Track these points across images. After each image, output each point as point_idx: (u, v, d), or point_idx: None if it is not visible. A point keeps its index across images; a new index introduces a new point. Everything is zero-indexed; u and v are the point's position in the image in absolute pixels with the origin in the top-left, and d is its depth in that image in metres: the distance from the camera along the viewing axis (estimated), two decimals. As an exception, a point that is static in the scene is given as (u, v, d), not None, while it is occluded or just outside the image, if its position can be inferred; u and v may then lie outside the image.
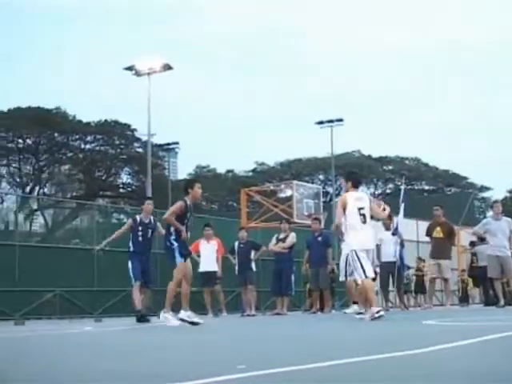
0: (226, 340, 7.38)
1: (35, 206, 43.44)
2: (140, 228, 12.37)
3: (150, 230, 12.44)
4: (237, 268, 16.02)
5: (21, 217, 31.36)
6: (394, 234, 15.82)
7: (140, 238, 12.30)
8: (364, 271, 9.65)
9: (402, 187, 18.01)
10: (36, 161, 48.77)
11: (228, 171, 60.93)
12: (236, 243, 16.25)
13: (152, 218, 12.63)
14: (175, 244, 10.21)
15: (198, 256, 15.94)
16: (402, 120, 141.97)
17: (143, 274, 12.21)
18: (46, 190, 49.52)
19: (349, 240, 9.95)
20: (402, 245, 16.18)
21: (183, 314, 9.95)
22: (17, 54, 75.37)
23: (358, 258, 9.70)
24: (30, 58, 75.84)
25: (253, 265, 16.13)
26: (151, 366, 4.25)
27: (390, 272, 15.76)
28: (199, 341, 7.03)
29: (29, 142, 48.78)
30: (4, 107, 48.04)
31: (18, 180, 48.86)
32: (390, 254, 15.75)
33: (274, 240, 16.17)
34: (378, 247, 15.74)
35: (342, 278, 14.04)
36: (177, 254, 10.16)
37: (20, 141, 48.53)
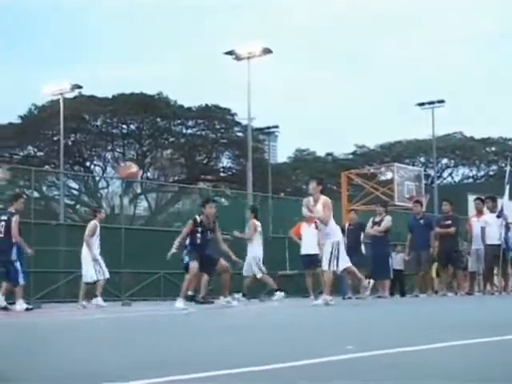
0: (336, 322, 7.44)
1: (139, 190, 44.50)
2: (200, 230, 12.48)
3: (208, 232, 12.44)
4: (346, 250, 16.00)
5: (126, 201, 32.16)
6: (498, 217, 15.51)
7: (198, 241, 12.29)
8: (337, 264, 11.13)
9: (508, 168, 17.58)
10: (139, 146, 49.84)
11: (328, 154, 60.60)
12: (346, 225, 16.27)
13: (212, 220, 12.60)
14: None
15: (300, 239, 16.03)
16: (505, 100, 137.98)
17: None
18: (149, 174, 50.55)
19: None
20: (507, 227, 15.84)
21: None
22: (120, 41, 77.19)
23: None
24: (132, 44, 77.56)
25: (362, 247, 16.09)
26: (278, 346, 4.35)
27: (495, 255, 15.46)
28: (324, 322, 7.11)
29: (132, 127, 49.87)
30: (108, 94, 49.26)
31: (122, 164, 50.05)
32: (494, 236, 15.48)
33: (370, 223, 16.12)
34: (483, 229, 15.47)
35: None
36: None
37: (124, 126, 49.69)
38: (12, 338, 6.42)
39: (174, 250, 12.01)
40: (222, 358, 3.59)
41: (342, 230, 16.27)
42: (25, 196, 16.67)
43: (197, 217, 12.25)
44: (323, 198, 11.35)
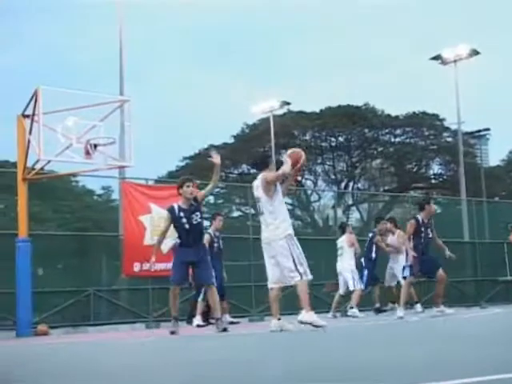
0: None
1: (350, 201, 44.87)
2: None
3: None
4: None
5: (339, 212, 32.60)
6: None
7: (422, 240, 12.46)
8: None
9: None
10: (349, 157, 50.22)
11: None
12: None
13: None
14: None
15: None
16: None
17: None
18: (359, 185, 50.78)
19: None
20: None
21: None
22: (323, 54, 78.20)
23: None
24: (335, 56, 78.35)
25: None
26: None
27: None
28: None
29: (341, 139, 50.37)
30: (316, 108, 50.12)
31: (332, 177, 50.70)
32: None
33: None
34: None
35: None
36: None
37: (332, 139, 50.31)
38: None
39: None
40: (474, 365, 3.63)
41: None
42: (222, 214, 17.70)
43: (418, 216, 12.42)
44: None
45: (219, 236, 14.63)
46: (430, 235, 12.37)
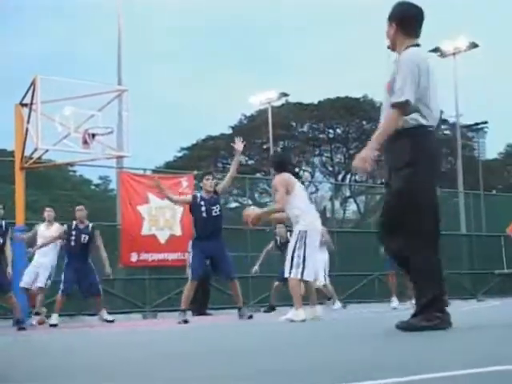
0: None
1: (348, 193, 44.89)
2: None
3: None
4: None
5: (336, 204, 32.63)
6: None
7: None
8: None
9: None
10: (346, 149, 50.24)
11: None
12: None
13: None
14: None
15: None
16: None
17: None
18: (356, 177, 50.81)
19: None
20: None
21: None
22: (323, 46, 78.02)
23: None
24: (335, 49, 78.05)
25: None
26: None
27: None
28: None
29: (338, 131, 50.39)
30: (314, 99, 50.09)
31: (330, 169, 50.74)
32: None
33: None
34: None
35: None
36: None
37: (330, 131, 50.34)
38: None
39: None
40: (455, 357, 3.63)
41: None
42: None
43: None
44: None
45: None
46: None
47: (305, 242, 8.67)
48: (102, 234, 13.29)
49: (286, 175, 9.01)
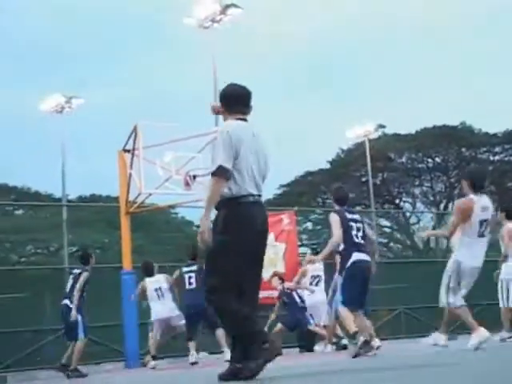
0: None
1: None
2: None
3: None
4: None
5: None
6: None
7: None
8: None
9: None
10: (447, 178, 49.39)
11: None
12: None
13: None
14: None
15: None
16: None
17: None
18: (458, 205, 49.81)
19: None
20: None
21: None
22: (416, 75, 77.16)
23: None
24: (426, 75, 76.84)
25: None
26: None
27: None
28: None
29: (438, 160, 49.61)
30: (412, 129, 49.55)
31: (431, 198, 49.93)
32: None
33: None
34: None
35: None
36: None
37: (429, 160, 49.61)
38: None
39: None
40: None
41: None
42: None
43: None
44: None
45: None
46: None
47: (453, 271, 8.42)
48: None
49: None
